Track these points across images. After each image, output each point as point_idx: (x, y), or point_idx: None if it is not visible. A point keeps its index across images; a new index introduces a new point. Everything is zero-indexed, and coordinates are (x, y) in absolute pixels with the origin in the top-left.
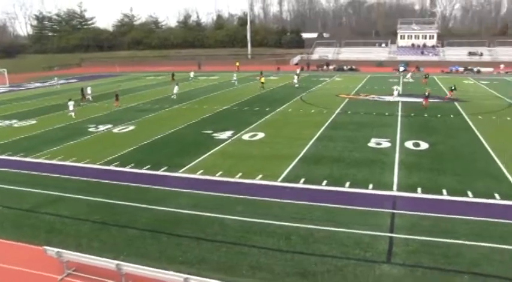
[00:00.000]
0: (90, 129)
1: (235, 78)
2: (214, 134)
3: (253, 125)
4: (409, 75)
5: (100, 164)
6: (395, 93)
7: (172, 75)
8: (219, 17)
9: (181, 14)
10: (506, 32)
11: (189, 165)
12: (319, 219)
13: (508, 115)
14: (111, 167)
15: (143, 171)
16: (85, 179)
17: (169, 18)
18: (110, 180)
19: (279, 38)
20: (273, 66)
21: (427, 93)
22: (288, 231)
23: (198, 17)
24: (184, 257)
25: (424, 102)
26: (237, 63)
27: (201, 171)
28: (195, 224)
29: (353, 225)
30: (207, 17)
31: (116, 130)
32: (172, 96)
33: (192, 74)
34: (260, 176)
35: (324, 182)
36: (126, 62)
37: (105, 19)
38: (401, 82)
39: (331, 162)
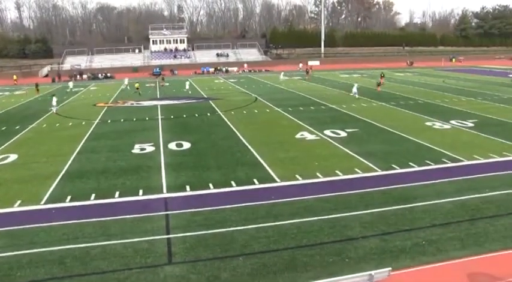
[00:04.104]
0: None
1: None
2: None
3: (2, 147)
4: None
5: None
6: (354, 89)
7: (36, 86)
8: None
9: None
10: (245, 35)
11: None
12: (93, 235)
13: (255, 108)
14: None
15: None
16: None
17: None
18: None
19: (23, 48)
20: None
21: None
22: (61, 255)
23: None
24: None
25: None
26: (15, 77)
27: None
28: None
29: (129, 235)
30: None
31: None
32: (52, 110)
33: (71, 85)
34: (19, 202)
35: (92, 196)
36: None
37: None
38: (158, 87)
39: (97, 175)
